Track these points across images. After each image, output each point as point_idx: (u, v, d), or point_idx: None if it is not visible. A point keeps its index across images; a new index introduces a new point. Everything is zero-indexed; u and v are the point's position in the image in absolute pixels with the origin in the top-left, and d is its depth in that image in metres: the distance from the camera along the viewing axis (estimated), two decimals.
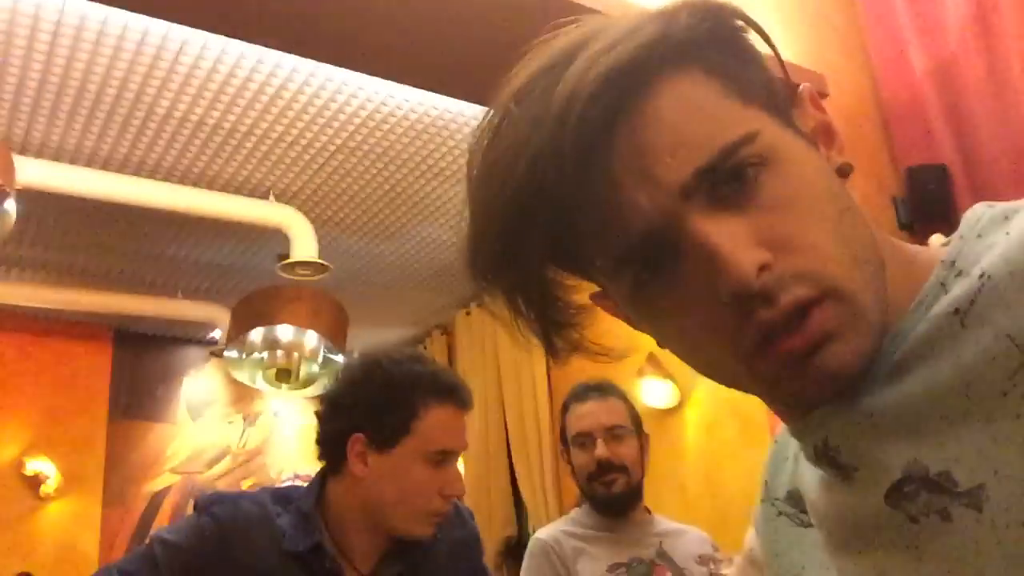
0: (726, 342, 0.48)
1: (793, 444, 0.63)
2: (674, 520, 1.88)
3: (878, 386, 0.50)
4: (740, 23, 0.53)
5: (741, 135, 0.48)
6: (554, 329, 0.57)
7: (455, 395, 1.25)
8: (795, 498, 0.62)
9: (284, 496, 1.26)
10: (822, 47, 2.93)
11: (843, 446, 0.52)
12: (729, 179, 0.47)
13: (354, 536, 1.24)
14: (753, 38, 0.54)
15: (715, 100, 0.49)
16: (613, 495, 1.73)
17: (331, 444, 1.26)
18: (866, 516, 0.51)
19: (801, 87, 0.55)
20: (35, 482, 6.36)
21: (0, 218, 2.29)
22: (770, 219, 0.47)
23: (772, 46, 0.55)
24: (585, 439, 1.74)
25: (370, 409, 1.22)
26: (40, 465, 6.38)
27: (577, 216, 0.50)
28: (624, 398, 1.83)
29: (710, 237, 0.46)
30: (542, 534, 1.79)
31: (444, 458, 1.22)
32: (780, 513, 0.64)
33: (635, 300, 0.53)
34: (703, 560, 1.73)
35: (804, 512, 0.61)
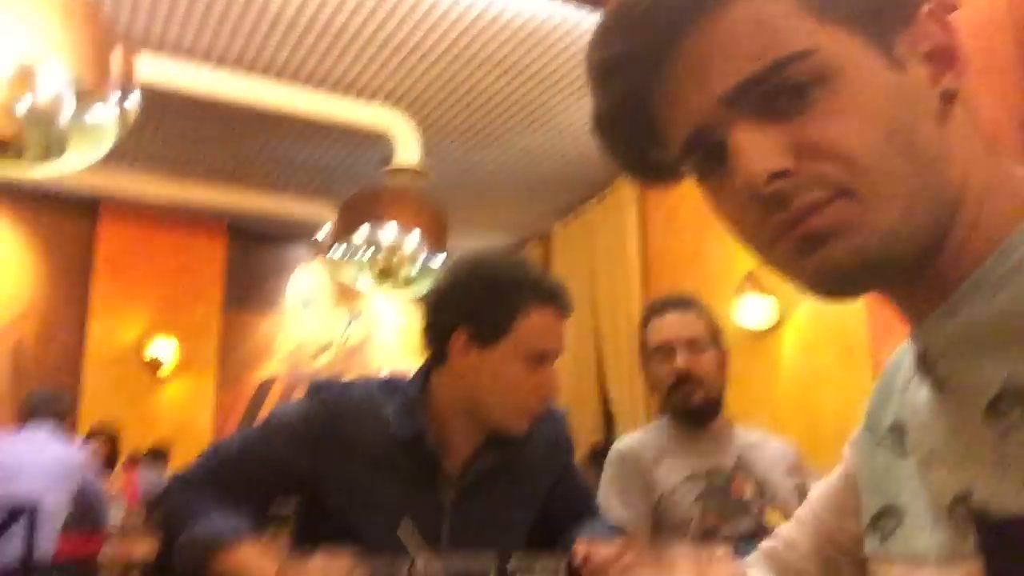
0: (753, 235, 0.54)
1: (902, 374, 0.64)
2: (756, 430, 1.86)
3: (981, 298, 0.51)
4: None
5: (794, 52, 0.50)
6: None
7: (556, 299, 1.27)
8: (897, 430, 0.63)
9: (391, 386, 1.32)
10: None
11: (941, 357, 0.54)
12: (784, 92, 0.50)
13: (454, 427, 1.30)
14: None
15: (784, 16, 0.51)
16: (691, 407, 1.71)
17: (435, 338, 1.30)
18: (959, 430, 0.53)
19: (925, 7, 0.54)
20: (155, 364, 6.83)
21: (122, 112, 2.40)
22: (812, 131, 0.50)
23: None
24: (664, 351, 1.72)
25: (474, 306, 1.25)
26: (160, 348, 6.84)
27: (654, 103, 0.56)
28: (704, 312, 1.79)
29: (738, 143, 0.51)
30: (621, 444, 1.81)
31: (542, 359, 1.25)
32: (880, 443, 0.65)
33: (702, 188, 0.57)
34: (791, 470, 1.73)
35: (904, 443, 0.62)
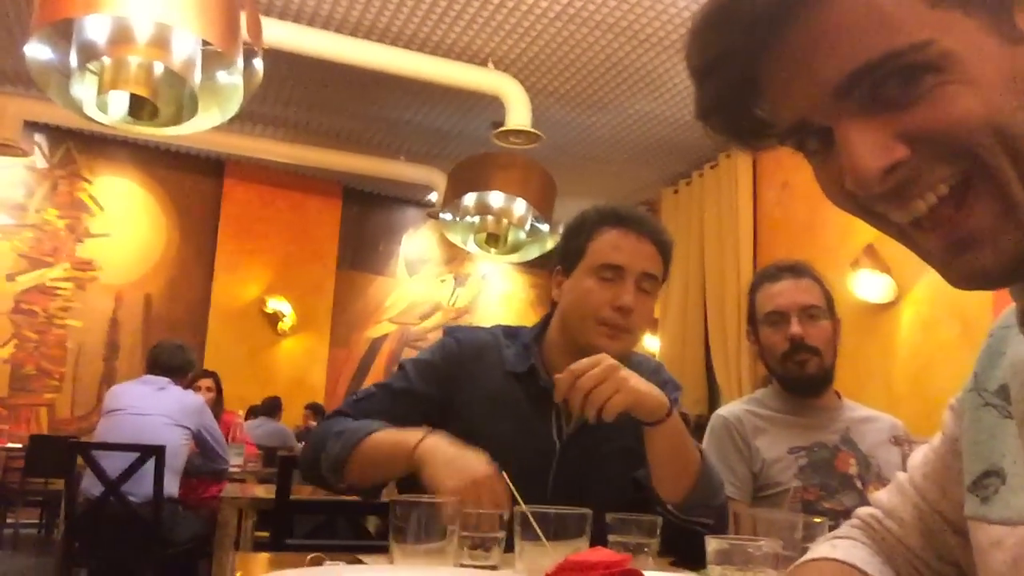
0: (874, 223, 0.53)
1: (1010, 338, 0.63)
2: (867, 407, 1.80)
3: None
4: None
5: (910, 43, 0.47)
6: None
7: (625, 220, 1.37)
8: (1004, 393, 0.62)
9: (513, 332, 1.50)
10: None
11: None
12: (896, 81, 0.48)
13: (562, 362, 1.35)
14: None
15: (895, 2, 0.48)
16: (806, 376, 1.66)
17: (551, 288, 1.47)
18: None
19: None
20: (274, 319, 7.16)
21: (249, 75, 2.49)
22: (924, 117, 0.48)
23: None
24: (778, 317, 1.67)
25: (562, 245, 1.44)
26: (279, 305, 7.15)
27: (759, 81, 0.54)
28: (818, 279, 1.73)
29: (848, 140, 0.49)
30: (723, 411, 1.78)
31: (613, 274, 1.35)
32: (987, 404, 0.64)
33: (808, 162, 0.56)
34: (898, 441, 1.67)
35: (1010, 405, 0.61)
